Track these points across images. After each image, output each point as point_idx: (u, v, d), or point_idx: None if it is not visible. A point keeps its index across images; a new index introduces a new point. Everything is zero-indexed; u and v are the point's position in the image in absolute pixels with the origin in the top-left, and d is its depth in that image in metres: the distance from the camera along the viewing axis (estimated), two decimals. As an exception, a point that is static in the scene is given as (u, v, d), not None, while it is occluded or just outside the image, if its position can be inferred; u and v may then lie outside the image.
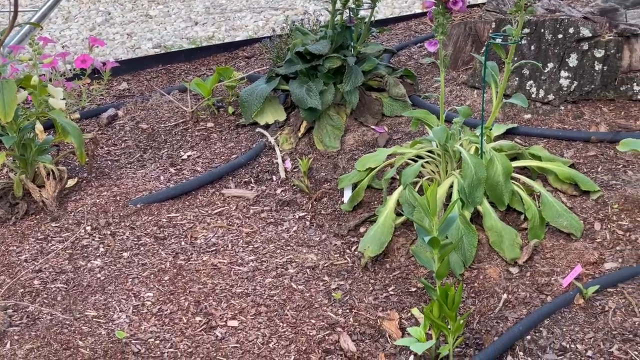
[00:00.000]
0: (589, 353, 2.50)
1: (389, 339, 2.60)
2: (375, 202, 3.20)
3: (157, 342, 2.53)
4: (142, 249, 2.97)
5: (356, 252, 2.98)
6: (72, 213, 3.17)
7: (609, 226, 2.96)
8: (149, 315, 2.64)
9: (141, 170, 3.52)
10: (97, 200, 3.25)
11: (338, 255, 2.98)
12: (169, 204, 3.26)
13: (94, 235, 3.04)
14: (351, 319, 2.68)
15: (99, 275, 2.82)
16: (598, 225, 2.97)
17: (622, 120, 3.50)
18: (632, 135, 3.28)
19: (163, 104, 4.11)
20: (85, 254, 2.94)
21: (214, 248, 2.99)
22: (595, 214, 3.02)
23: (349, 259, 2.96)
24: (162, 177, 3.45)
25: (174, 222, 3.13)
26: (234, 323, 2.64)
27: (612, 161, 3.26)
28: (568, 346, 2.53)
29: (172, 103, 4.08)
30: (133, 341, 2.52)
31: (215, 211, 3.22)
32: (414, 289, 2.80)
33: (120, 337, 2.51)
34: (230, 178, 3.43)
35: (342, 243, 3.04)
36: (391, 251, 2.95)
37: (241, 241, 3.04)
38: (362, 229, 3.09)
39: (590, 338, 2.55)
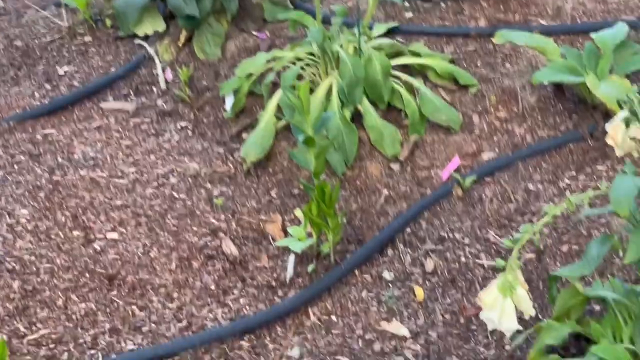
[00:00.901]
0: (466, 241, 2.55)
1: (272, 241, 2.60)
2: (258, 108, 3.16)
3: (33, 258, 2.48)
4: (15, 167, 2.88)
5: (239, 159, 2.95)
6: (-59, 135, 3.05)
7: (486, 118, 3.00)
8: (24, 233, 2.58)
9: (15, 87, 3.39)
10: (-33, 121, 3.13)
11: (220, 162, 2.94)
12: (44, 120, 3.15)
13: (-36, 156, 2.94)
14: (234, 224, 2.66)
15: (-30, 196, 2.74)
16: (476, 117, 3.01)
17: (501, 14, 3.52)
18: (509, 28, 3.29)
19: (39, 20, 3.94)
20: (-44, 176, 2.84)
21: (92, 162, 2.92)
22: (473, 106, 3.05)
23: (231, 166, 2.93)
24: (37, 94, 3.33)
25: (50, 139, 3.04)
26: (114, 235, 2.60)
27: (491, 55, 3.28)
28: (446, 235, 2.58)
29: (48, 19, 3.92)
30: (7, 259, 2.47)
31: (94, 125, 3.13)
32: (297, 191, 2.80)
33: (-7, 256, 2.46)
34: (109, 91, 3.34)
35: (224, 150, 3.00)
36: (274, 155, 2.93)
37: (121, 154, 2.97)
38: (244, 135, 3.05)
39: (468, 226, 2.60)
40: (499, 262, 1.73)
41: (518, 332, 2.16)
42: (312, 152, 2.50)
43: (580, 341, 2.12)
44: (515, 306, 1.76)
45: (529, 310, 1.78)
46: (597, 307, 2.26)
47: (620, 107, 1.86)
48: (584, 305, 2.12)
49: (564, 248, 2.49)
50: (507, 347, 2.22)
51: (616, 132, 1.87)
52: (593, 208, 2.24)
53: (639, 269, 1.94)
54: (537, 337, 2.09)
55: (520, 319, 2.09)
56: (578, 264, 1.89)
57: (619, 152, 1.89)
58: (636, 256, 1.72)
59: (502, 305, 1.73)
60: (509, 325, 1.74)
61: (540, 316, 2.29)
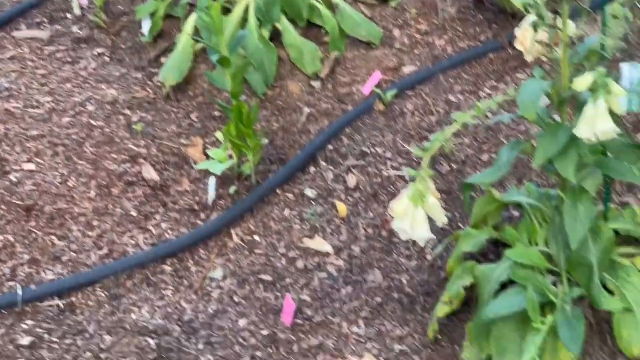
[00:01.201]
0: (388, 155, 2.55)
1: (193, 165, 2.57)
2: (176, 31, 3.08)
3: (-54, 193, 2.43)
4: None
5: (158, 83, 2.89)
6: None
7: (407, 31, 2.97)
8: None
9: None
10: None
11: (139, 87, 2.88)
12: (-46, 52, 3.06)
13: None
14: (154, 149, 2.62)
15: None
16: (397, 31, 2.98)
17: None
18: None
19: (-54, -51, 3.79)
20: None
21: (7, 93, 2.83)
22: (394, 20, 3.02)
23: (150, 91, 2.87)
24: (-53, 28, 3.22)
25: (-40, 72, 2.95)
26: (30, 166, 2.54)
27: (413, -33, 3.24)
28: (368, 150, 2.57)
29: (-44, -53, 3.77)
30: None
31: (7, 55, 3.03)
32: (218, 114, 2.76)
33: None
34: (21, 20, 3.22)
35: (143, 75, 2.93)
36: (193, 78, 2.88)
37: (36, 83, 2.89)
38: (163, 59, 2.98)
39: (390, 140, 2.60)
40: (410, 171, 1.72)
41: (438, 241, 2.20)
42: (228, 72, 2.45)
43: (499, 247, 2.14)
44: (428, 215, 1.76)
45: (442, 218, 1.78)
46: (516, 214, 2.29)
47: (527, 11, 1.84)
48: (501, 211, 2.15)
49: (484, 157, 2.50)
50: (428, 257, 2.24)
51: (525, 37, 1.86)
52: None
53: (550, 172, 1.95)
54: (455, 245, 2.11)
55: (442, 229, 2.12)
56: (489, 170, 1.90)
57: (528, 57, 1.89)
58: (543, 158, 1.73)
59: (413, 215, 1.73)
60: (421, 234, 1.75)
61: (461, 225, 2.32)
